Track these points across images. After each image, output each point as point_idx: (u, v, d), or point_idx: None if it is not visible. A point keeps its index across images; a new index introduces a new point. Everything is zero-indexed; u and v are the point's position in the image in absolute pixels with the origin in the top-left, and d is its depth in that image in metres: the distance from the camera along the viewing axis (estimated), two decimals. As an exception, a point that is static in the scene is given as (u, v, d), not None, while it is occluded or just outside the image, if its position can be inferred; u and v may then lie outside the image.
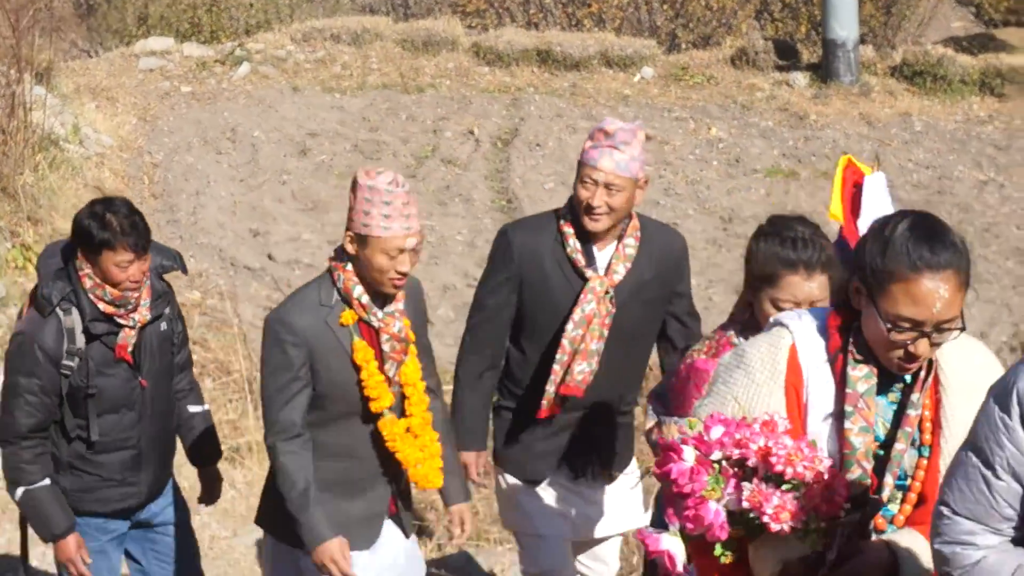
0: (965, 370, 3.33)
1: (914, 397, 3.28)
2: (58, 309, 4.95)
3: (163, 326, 5.24)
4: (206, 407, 5.64)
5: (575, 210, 5.10)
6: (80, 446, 5.12)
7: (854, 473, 3.25)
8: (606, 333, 5.14)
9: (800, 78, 15.53)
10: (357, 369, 4.65)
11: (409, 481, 4.93)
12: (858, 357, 3.27)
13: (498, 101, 14.88)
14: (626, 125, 5.04)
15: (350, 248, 4.59)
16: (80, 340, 4.98)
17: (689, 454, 3.09)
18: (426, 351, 5.00)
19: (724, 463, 3.09)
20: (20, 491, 5.07)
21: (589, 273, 5.11)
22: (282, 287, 10.51)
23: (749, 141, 13.95)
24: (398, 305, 4.73)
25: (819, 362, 3.30)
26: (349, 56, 15.85)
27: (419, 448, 4.81)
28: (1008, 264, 11.64)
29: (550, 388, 5.16)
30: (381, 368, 4.68)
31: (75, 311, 4.97)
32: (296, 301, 4.73)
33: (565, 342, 5.11)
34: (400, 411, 4.79)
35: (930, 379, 3.30)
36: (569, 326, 5.10)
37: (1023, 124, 14.88)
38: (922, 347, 3.14)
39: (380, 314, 4.65)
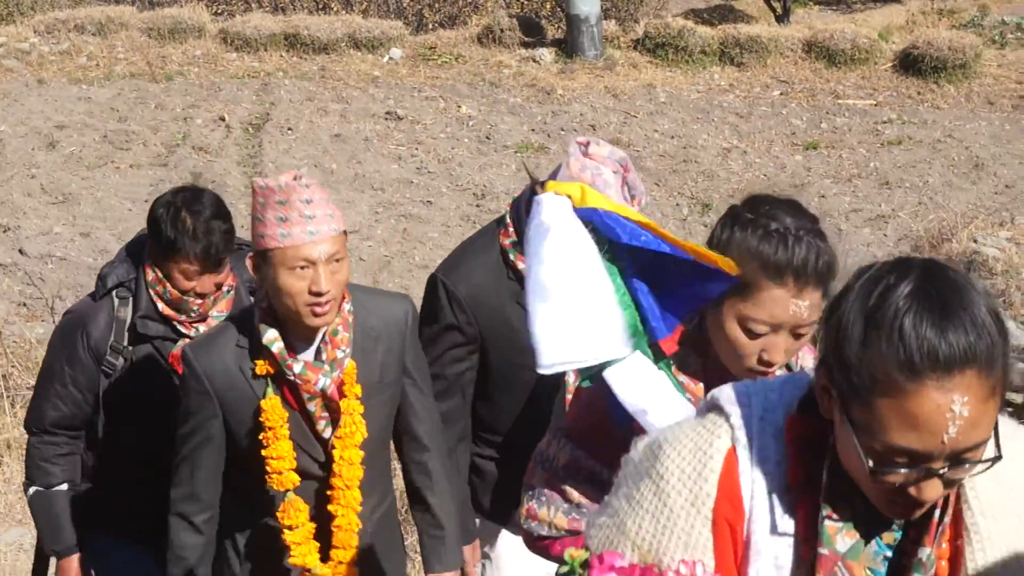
0: (1003, 494, 2.21)
1: (923, 554, 2.17)
2: (113, 295, 4.42)
3: None
4: None
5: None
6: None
7: None
8: None
9: (546, 54, 15.91)
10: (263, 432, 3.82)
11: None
12: (837, 502, 2.17)
13: (248, 87, 15.00)
14: (636, 186, 3.94)
15: (255, 275, 3.78)
16: (127, 337, 4.41)
17: None
18: (416, 394, 4.10)
19: None
20: (32, 490, 4.58)
21: None
22: (35, 282, 10.54)
23: (499, 118, 14.25)
24: (338, 350, 3.79)
25: (772, 488, 2.19)
26: (95, 47, 15.75)
27: (334, 551, 3.97)
28: None
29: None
30: (314, 430, 3.86)
31: (131, 302, 4.41)
32: (208, 339, 3.93)
33: (570, 397, 4.13)
34: (323, 489, 3.94)
35: (947, 519, 2.19)
36: (570, 378, 4.15)
37: (763, 92, 15.55)
38: (930, 490, 2.06)
39: (300, 365, 3.74)
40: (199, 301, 4.34)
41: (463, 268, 4.29)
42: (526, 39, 16.37)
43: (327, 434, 3.86)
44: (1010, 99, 15.50)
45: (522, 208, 4.04)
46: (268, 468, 3.81)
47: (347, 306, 3.83)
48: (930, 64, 15.81)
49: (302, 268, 3.60)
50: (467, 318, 4.22)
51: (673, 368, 3.14)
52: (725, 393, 2.27)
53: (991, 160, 13.58)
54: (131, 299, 4.41)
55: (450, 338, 4.28)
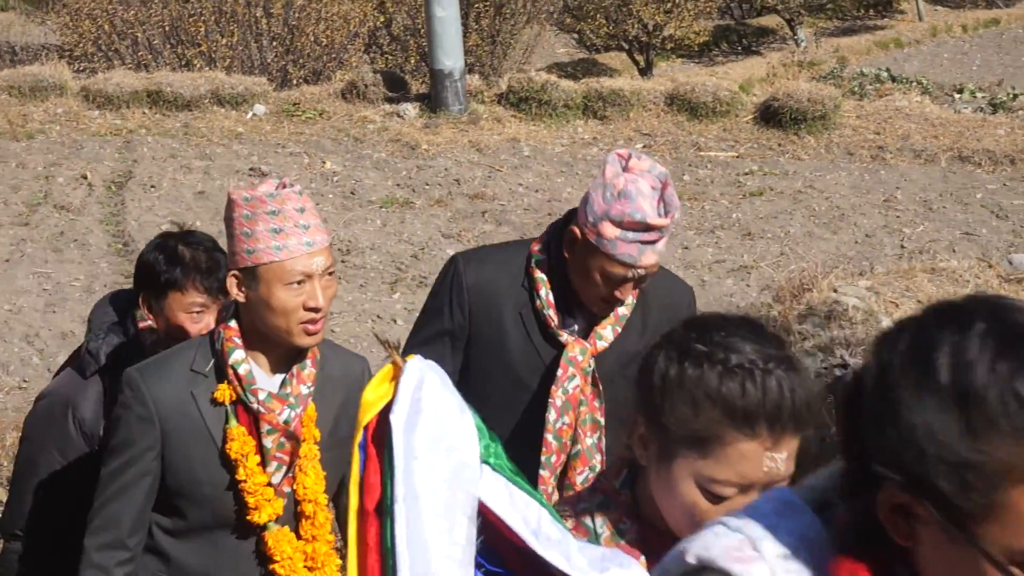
0: None
1: None
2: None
3: None
4: None
5: (558, 258, 3.77)
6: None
7: None
8: (602, 421, 3.79)
9: (410, 109, 16.10)
10: (231, 465, 3.47)
11: None
12: None
13: (110, 144, 14.97)
14: (658, 190, 3.57)
15: (238, 295, 3.43)
16: None
17: None
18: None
19: None
20: None
21: (565, 336, 3.78)
22: None
23: (363, 173, 14.36)
24: (303, 386, 3.53)
25: None
26: (-46, 106, 15.72)
27: None
28: None
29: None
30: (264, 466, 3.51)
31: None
32: (159, 361, 3.56)
33: (550, 437, 3.74)
34: (295, 528, 3.64)
35: None
36: (551, 415, 3.73)
37: (626, 145, 15.69)
38: None
39: (264, 393, 3.46)
40: None
41: (482, 256, 4.06)
42: (390, 94, 16.56)
43: (276, 479, 3.52)
44: (869, 150, 15.97)
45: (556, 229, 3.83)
46: (247, 500, 3.49)
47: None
48: (790, 116, 16.23)
49: (298, 283, 3.34)
50: (461, 303, 3.86)
51: (605, 535, 2.53)
52: (716, 549, 1.72)
53: (851, 210, 13.97)
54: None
55: (438, 322, 3.91)
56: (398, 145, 15.19)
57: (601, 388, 3.77)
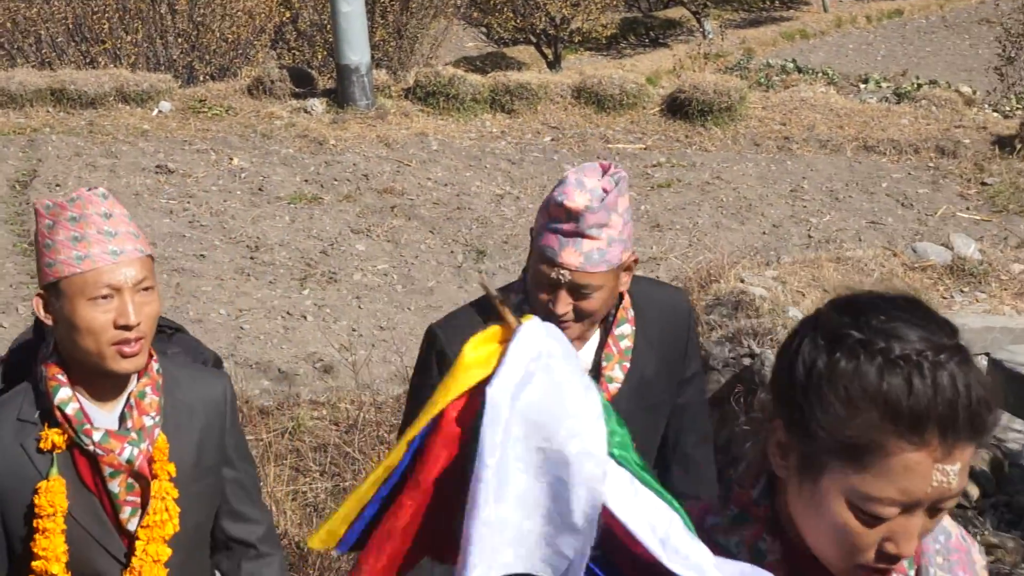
0: None
1: None
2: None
3: None
4: None
5: (533, 303, 3.44)
6: None
7: None
8: None
9: (317, 104, 16.04)
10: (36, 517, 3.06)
11: None
12: None
13: (14, 143, 14.79)
14: (600, 190, 3.29)
15: (45, 317, 3.07)
16: None
17: None
18: (238, 481, 3.42)
19: None
20: None
21: None
22: None
23: (271, 169, 14.30)
24: (146, 417, 3.12)
25: None
26: None
27: None
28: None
29: None
30: (116, 520, 3.14)
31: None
32: None
33: None
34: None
35: None
36: None
37: (534, 138, 15.89)
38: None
39: (100, 432, 3.05)
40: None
41: (459, 322, 3.65)
42: (297, 90, 16.50)
43: (132, 524, 3.12)
44: (775, 140, 16.13)
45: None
46: (33, 570, 3.05)
47: (155, 366, 3.19)
48: (697, 108, 16.36)
49: (104, 298, 2.96)
50: None
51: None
52: None
53: (758, 201, 14.13)
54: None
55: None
56: (306, 141, 15.14)
57: None
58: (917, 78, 20.00)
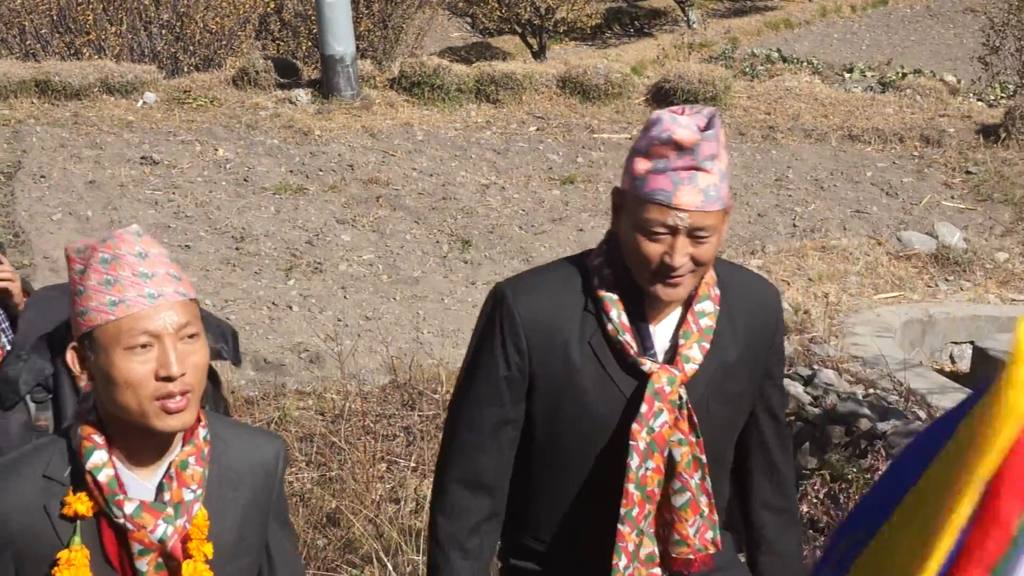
0: None
1: None
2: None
3: None
4: None
5: (623, 268, 3.14)
6: None
7: None
8: (703, 459, 3.15)
9: (302, 95, 16.06)
10: None
11: None
12: None
13: (-3, 134, 14.84)
14: (702, 119, 2.97)
15: (80, 373, 2.74)
16: None
17: None
18: (284, 552, 3.10)
19: None
20: None
21: (648, 365, 3.11)
22: None
23: (256, 160, 14.27)
24: (186, 490, 2.75)
25: None
26: None
27: None
28: (513, 263, 12.31)
29: (620, 562, 3.14)
30: None
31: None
32: (10, 463, 2.77)
33: (631, 487, 3.11)
34: None
35: None
36: (633, 460, 3.09)
37: (519, 128, 15.92)
38: None
39: (133, 505, 2.68)
40: None
41: (532, 282, 3.24)
42: (282, 80, 16.50)
43: None
44: (760, 130, 16.16)
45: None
46: None
47: (203, 432, 2.82)
48: (681, 97, 16.38)
49: (143, 347, 2.60)
50: (517, 342, 3.15)
51: None
52: None
53: (743, 190, 14.14)
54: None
55: (493, 369, 3.19)
56: (291, 131, 15.13)
57: (696, 420, 3.11)
58: (902, 67, 20.05)
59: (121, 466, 2.70)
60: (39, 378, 3.55)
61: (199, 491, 2.73)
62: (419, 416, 8.40)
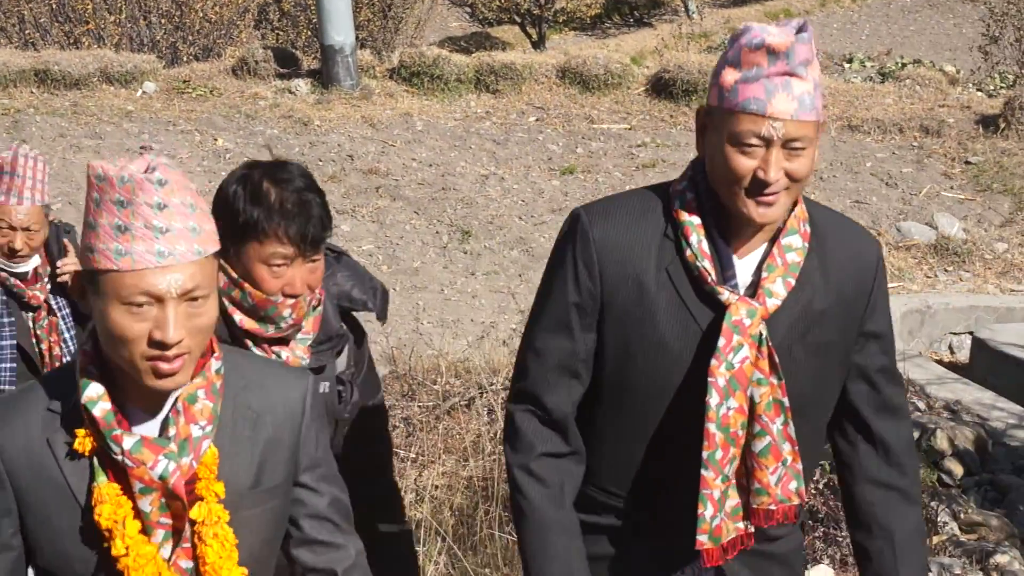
0: None
1: None
2: None
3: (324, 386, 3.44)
4: None
5: (707, 192, 2.97)
6: None
7: None
8: (786, 402, 2.95)
9: (302, 85, 16.02)
10: (101, 536, 2.55)
11: None
12: None
13: (-4, 124, 14.82)
14: (794, 24, 2.84)
15: (84, 303, 2.56)
16: None
17: None
18: (315, 509, 2.82)
19: None
20: None
21: (726, 295, 2.91)
22: None
23: (256, 150, 14.22)
24: (194, 426, 2.57)
25: None
26: None
27: None
28: (513, 254, 12.28)
29: (706, 511, 2.96)
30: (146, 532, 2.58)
31: None
32: (11, 399, 2.66)
33: (712, 427, 2.91)
34: None
35: None
36: (712, 398, 2.89)
37: (519, 118, 15.88)
38: None
39: (132, 440, 2.51)
40: (291, 302, 3.31)
41: (611, 205, 3.06)
42: (281, 70, 16.47)
43: (165, 551, 2.58)
44: (759, 120, 16.11)
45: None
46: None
47: (215, 364, 2.63)
48: (681, 87, 16.35)
49: (141, 306, 2.43)
50: (590, 265, 2.97)
51: None
52: None
53: (741, 180, 14.10)
54: None
55: (563, 295, 3.01)
56: (290, 121, 15.10)
57: (778, 360, 2.91)
58: (901, 57, 20.03)
59: (124, 399, 2.56)
60: None
61: (208, 428, 2.56)
62: (419, 407, 8.39)
